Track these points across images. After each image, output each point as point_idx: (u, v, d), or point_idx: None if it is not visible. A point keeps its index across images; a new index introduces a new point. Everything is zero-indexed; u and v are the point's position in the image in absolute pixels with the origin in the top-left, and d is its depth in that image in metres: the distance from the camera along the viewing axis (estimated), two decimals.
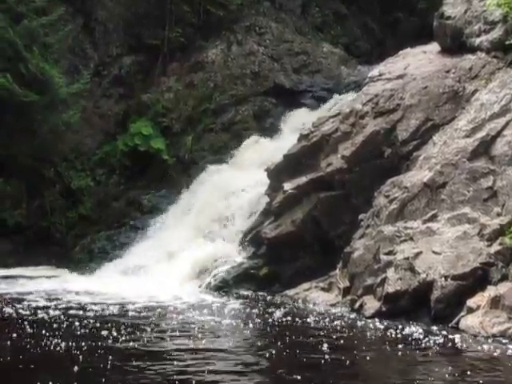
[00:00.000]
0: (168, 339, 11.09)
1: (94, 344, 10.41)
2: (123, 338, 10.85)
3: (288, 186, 17.32)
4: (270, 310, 13.85)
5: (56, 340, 10.49)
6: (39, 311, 13.06)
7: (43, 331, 11.14)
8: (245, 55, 23.64)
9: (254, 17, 24.61)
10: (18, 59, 19.89)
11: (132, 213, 21.53)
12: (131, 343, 10.57)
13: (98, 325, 11.83)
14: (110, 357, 9.47)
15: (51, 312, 12.96)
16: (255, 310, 13.89)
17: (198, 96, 22.94)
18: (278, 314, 13.47)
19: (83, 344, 10.30)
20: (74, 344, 10.30)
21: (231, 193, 19.59)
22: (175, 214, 20.34)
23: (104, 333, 11.10)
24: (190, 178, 21.07)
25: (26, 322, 11.89)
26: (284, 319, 12.94)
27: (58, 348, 10.15)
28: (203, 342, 10.80)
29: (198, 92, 23.02)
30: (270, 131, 21.49)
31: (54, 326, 11.74)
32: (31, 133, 20.54)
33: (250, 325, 12.27)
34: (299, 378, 8.86)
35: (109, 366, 9.14)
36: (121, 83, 23.52)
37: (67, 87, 20.85)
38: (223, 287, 16.77)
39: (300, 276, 16.28)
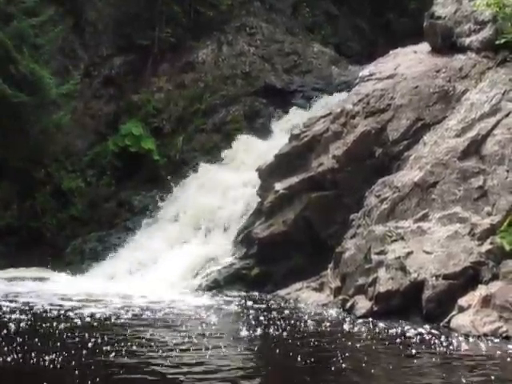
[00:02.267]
0: (160, 350, 10.49)
1: (78, 355, 9.59)
2: (111, 350, 10.08)
3: (279, 186, 17.32)
4: (261, 312, 13.82)
5: (32, 351, 9.68)
6: (24, 315, 12.83)
7: (24, 339, 10.55)
8: (235, 55, 23.64)
9: (245, 17, 24.62)
10: (8, 60, 19.80)
11: (123, 213, 21.48)
12: (121, 356, 9.84)
13: (86, 332, 11.25)
14: (98, 373, 8.70)
15: (35, 316, 12.70)
16: (246, 312, 13.85)
17: (189, 96, 22.92)
18: (269, 315, 13.44)
19: (65, 357, 9.47)
20: (55, 356, 9.48)
21: (222, 193, 19.58)
22: (166, 214, 20.31)
23: (90, 344, 10.43)
24: (180, 179, 21.05)
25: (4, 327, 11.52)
26: (276, 320, 12.90)
27: (33, 360, 9.29)
28: (195, 348, 10.55)
29: (189, 92, 23.00)
30: (261, 131, 21.50)
31: (35, 333, 11.12)
32: (22, 134, 20.46)
33: (241, 327, 12.21)
34: None
35: None
36: (111, 84, 23.46)
37: (57, 88, 20.77)
38: (215, 287, 16.75)
39: (291, 276, 16.27)
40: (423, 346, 10.95)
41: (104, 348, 10.19)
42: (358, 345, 11.06)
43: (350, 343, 11.17)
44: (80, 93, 22.35)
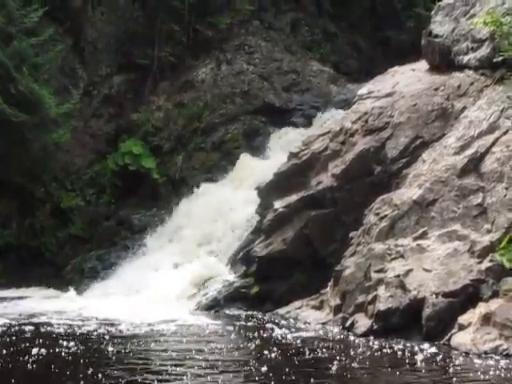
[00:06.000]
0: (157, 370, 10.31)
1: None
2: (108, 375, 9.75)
3: (279, 205, 17.32)
4: (261, 331, 13.74)
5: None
6: (19, 335, 12.81)
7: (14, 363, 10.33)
8: (234, 74, 23.74)
9: (244, 36, 24.74)
10: (8, 79, 19.91)
11: (122, 232, 21.51)
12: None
13: (80, 354, 11.04)
14: None
15: (29, 336, 12.62)
16: (246, 331, 13.77)
17: (188, 115, 23.01)
18: (269, 334, 13.37)
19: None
20: None
21: (222, 211, 19.58)
22: (166, 233, 20.32)
23: (82, 369, 9.99)
24: (180, 197, 21.07)
25: None
26: (276, 340, 12.85)
27: None
28: (193, 370, 10.30)
29: (188, 111, 23.07)
30: (260, 150, 21.56)
31: (28, 355, 10.84)
32: (22, 153, 20.52)
33: (241, 348, 12.12)
34: None
35: None
36: (111, 103, 23.56)
37: (57, 107, 20.87)
38: (214, 306, 16.73)
39: (291, 294, 16.25)
40: (424, 365, 10.90)
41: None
42: (358, 364, 11.01)
43: (350, 362, 11.11)
44: (80, 112, 22.47)
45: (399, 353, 11.66)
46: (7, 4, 20.61)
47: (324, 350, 11.95)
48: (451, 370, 10.58)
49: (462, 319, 12.36)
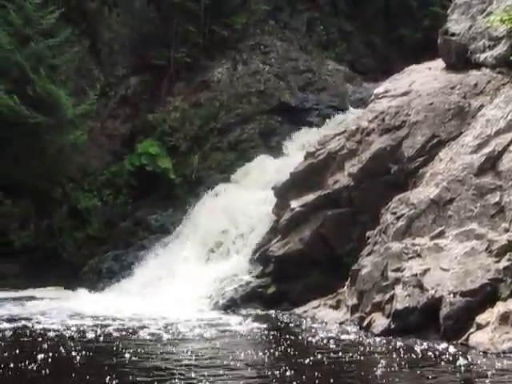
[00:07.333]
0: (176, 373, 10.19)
1: None
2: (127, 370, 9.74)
3: (295, 204, 17.33)
4: (278, 331, 13.69)
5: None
6: (34, 336, 12.77)
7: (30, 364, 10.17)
8: (250, 74, 23.77)
9: (259, 36, 24.80)
10: (25, 81, 20.04)
11: (139, 232, 21.57)
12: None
13: (97, 358, 10.92)
14: None
15: (48, 336, 12.61)
16: (263, 331, 13.73)
17: (204, 115, 23.05)
18: (286, 335, 13.34)
19: None
20: None
21: (238, 211, 19.59)
22: (182, 233, 20.35)
23: (100, 373, 9.83)
24: (196, 197, 21.10)
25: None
26: (293, 341, 12.79)
27: None
28: (206, 373, 10.02)
29: (204, 111, 23.12)
30: (277, 149, 21.56)
31: (41, 357, 10.70)
32: (38, 154, 20.62)
33: (258, 350, 12.02)
34: None
35: None
36: (127, 103, 23.66)
37: (74, 108, 20.98)
38: (231, 306, 16.74)
39: (308, 294, 16.24)
40: (442, 364, 10.84)
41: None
42: (376, 364, 10.94)
43: (368, 362, 11.06)
44: (96, 113, 22.54)
45: (417, 352, 11.59)
46: (24, 6, 20.75)
47: (341, 350, 11.88)
48: (470, 370, 10.50)
49: (480, 318, 12.29)
